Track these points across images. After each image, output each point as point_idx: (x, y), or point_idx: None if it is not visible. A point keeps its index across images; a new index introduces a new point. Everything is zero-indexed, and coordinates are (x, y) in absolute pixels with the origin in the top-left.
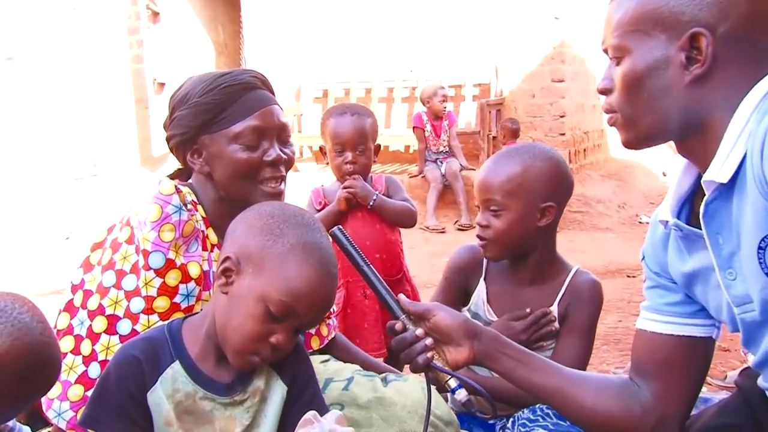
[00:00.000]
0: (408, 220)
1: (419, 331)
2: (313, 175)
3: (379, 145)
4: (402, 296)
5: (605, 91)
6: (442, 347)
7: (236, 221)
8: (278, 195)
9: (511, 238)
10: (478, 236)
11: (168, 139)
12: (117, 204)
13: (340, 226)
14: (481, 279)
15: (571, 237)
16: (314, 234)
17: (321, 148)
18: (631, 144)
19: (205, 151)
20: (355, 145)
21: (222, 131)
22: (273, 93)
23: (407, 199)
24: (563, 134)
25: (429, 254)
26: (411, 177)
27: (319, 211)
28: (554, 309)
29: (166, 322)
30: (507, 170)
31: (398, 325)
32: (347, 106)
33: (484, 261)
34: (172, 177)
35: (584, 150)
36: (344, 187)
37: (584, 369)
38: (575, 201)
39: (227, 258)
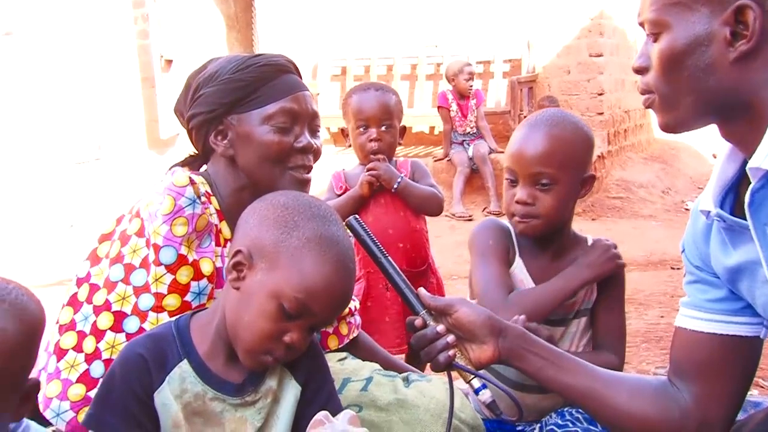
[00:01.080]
0: (434, 206)
1: (440, 328)
2: (331, 158)
3: (405, 127)
4: (422, 290)
5: (641, 70)
6: (465, 345)
7: (247, 212)
8: (306, 183)
9: (559, 213)
10: (520, 215)
11: (189, 119)
12: (123, 190)
13: (357, 216)
14: (517, 256)
15: (609, 225)
16: (331, 226)
17: (342, 130)
18: (669, 127)
19: (231, 132)
20: (379, 120)
21: (253, 111)
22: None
23: (434, 185)
24: (601, 113)
25: (455, 244)
26: (436, 160)
27: (339, 196)
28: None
29: (173, 318)
30: (557, 139)
31: (418, 321)
32: (370, 83)
33: (514, 236)
34: (183, 164)
35: (624, 131)
36: (367, 170)
37: (624, 340)
38: (614, 186)
39: (239, 251)
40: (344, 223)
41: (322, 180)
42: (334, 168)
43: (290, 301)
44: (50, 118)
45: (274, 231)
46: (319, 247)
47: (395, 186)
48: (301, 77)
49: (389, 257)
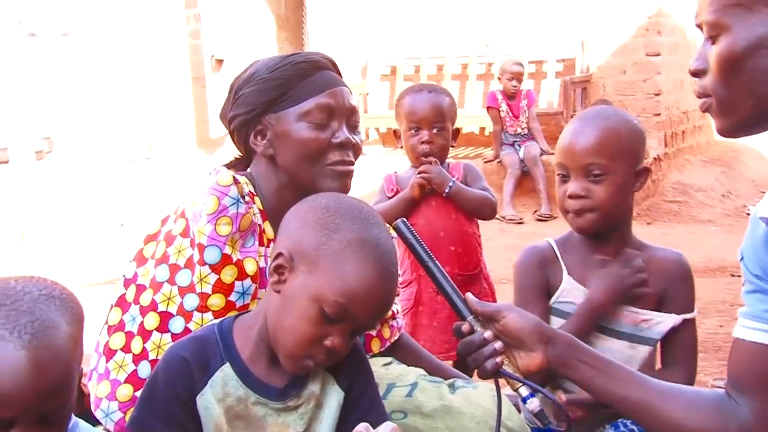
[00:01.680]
0: (487, 210)
1: (488, 334)
2: (379, 159)
3: (458, 129)
4: (470, 295)
5: (698, 73)
6: (513, 352)
7: (289, 215)
8: (347, 175)
9: (612, 207)
10: (573, 209)
11: (230, 121)
12: (172, 189)
13: (404, 219)
14: (564, 273)
15: (665, 230)
16: (373, 229)
17: (395, 132)
18: (726, 132)
19: (270, 131)
20: (431, 123)
21: (290, 109)
22: (341, 77)
23: (487, 189)
24: (658, 114)
25: (505, 247)
26: (486, 162)
27: (390, 198)
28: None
29: (216, 321)
30: (607, 130)
31: (465, 327)
32: (424, 84)
33: (558, 254)
34: (228, 166)
35: (682, 132)
36: (419, 172)
37: (696, 354)
38: (671, 189)
39: (280, 254)
40: (391, 226)
41: (370, 182)
42: (382, 169)
43: (331, 306)
44: (103, 118)
45: (314, 234)
46: (361, 249)
47: (447, 190)
48: (340, 74)
49: (436, 261)
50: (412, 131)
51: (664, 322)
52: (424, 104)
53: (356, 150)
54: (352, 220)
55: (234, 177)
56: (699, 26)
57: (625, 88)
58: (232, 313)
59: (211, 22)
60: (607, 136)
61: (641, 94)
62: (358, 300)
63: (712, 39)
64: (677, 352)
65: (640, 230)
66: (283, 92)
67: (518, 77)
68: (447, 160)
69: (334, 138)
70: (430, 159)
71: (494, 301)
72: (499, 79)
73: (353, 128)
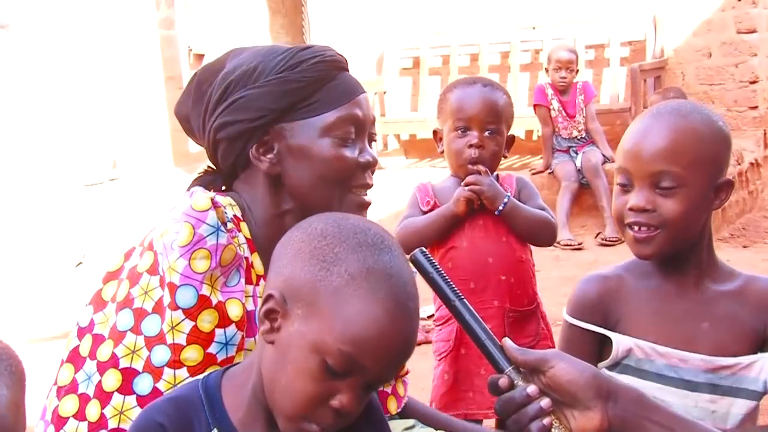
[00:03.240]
0: (547, 234)
1: (531, 389)
2: (401, 174)
3: (513, 136)
4: (507, 341)
5: None
6: (564, 411)
7: (281, 245)
8: (367, 207)
9: (685, 226)
10: (637, 224)
11: (220, 127)
12: (143, 218)
13: (424, 248)
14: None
15: (766, 254)
16: (382, 256)
17: (434, 133)
18: None
19: (280, 144)
20: (483, 123)
21: (310, 119)
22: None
23: (545, 208)
24: (755, 107)
25: (560, 280)
26: (534, 173)
27: (425, 213)
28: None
29: (200, 377)
30: (684, 130)
31: (503, 381)
32: (477, 77)
33: (629, 288)
34: (200, 183)
35: None
36: (466, 184)
37: None
38: None
39: (270, 296)
40: (408, 257)
41: (389, 201)
42: (404, 185)
43: (334, 356)
44: (53, 129)
45: (310, 267)
46: (367, 283)
47: (500, 207)
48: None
49: (464, 299)
50: (459, 132)
51: (756, 364)
52: (475, 100)
53: (374, 169)
54: (356, 248)
55: (213, 199)
56: None
57: (711, 76)
58: (214, 368)
59: (188, 7)
60: (684, 139)
61: (732, 82)
62: (368, 347)
63: None
64: None
65: (734, 256)
66: (302, 98)
67: (567, 66)
68: (497, 171)
69: (361, 157)
70: (478, 167)
71: (553, 346)
72: (546, 70)
73: (371, 142)
